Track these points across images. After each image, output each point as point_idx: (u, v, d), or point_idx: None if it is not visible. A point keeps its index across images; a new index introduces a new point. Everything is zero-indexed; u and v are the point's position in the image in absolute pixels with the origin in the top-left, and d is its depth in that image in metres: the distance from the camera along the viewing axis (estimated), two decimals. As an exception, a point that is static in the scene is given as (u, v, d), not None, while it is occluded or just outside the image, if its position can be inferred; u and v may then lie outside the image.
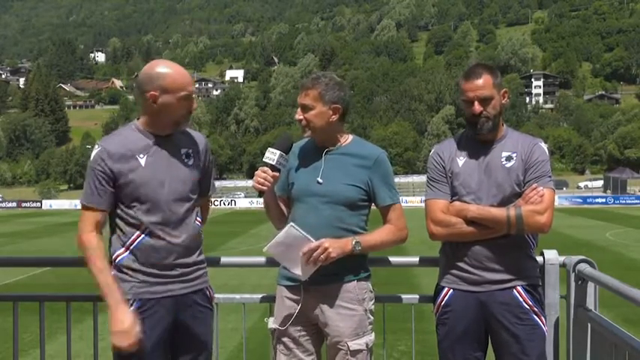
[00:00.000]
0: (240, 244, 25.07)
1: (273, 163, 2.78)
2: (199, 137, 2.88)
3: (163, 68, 2.65)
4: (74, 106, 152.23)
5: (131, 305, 2.65)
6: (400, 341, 9.72)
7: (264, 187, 2.79)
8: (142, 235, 2.66)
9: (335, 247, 2.71)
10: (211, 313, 2.86)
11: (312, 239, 2.72)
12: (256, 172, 2.81)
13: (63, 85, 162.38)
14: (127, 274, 2.67)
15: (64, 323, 3.21)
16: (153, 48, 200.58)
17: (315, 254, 2.69)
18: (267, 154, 2.80)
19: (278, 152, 2.79)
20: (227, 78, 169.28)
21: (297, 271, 2.75)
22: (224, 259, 3.26)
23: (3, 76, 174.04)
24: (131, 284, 2.66)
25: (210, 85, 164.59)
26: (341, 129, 2.90)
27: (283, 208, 3.00)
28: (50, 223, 42.64)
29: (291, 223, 2.77)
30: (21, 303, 3.28)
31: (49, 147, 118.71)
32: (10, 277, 17.18)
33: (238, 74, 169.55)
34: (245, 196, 68.66)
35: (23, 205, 69.81)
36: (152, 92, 2.62)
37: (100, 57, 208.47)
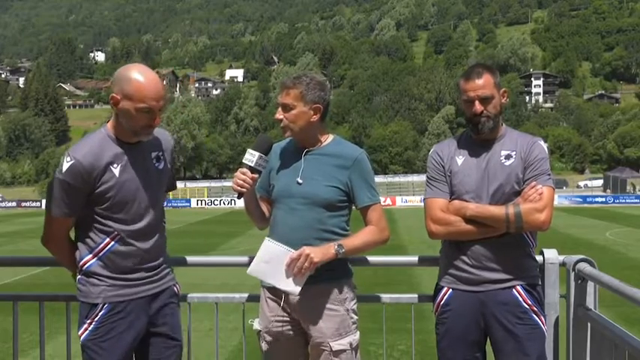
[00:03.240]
0: (239, 244, 25.03)
1: (252, 165, 2.78)
2: (165, 136, 2.85)
3: (135, 74, 2.56)
4: (74, 106, 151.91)
5: (101, 310, 2.63)
6: (400, 341, 9.72)
7: (244, 190, 2.79)
8: (112, 243, 2.64)
9: (317, 252, 2.69)
10: (179, 308, 2.88)
11: (291, 250, 2.70)
12: (235, 174, 2.80)
13: (63, 85, 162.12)
14: (96, 278, 2.65)
15: (63, 323, 3.21)
16: (152, 48, 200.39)
17: (298, 264, 2.68)
18: (246, 155, 2.79)
19: (257, 154, 2.78)
20: (227, 77, 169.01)
21: (286, 287, 2.72)
22: (225, 259, 3.26)
23: (3, 76, 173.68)
24: (101, 288, 2.64)
25: (209, 84, 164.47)
26: (321, 129, 2.88)
27: (264, 208, 2.99)
28: (50, 222, 42.55)
29: (267, 238, 2.77)
30: (21, 303, 3.28)
31: (49, 146, 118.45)
32: (10, 276, 17.17)
33: (238, 74, 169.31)
34: (245, 196, 68.48)
35: (23, 204, 69.75)
36: (115, 94, 2.58)
37: (100, 56, 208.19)
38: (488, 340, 2.90)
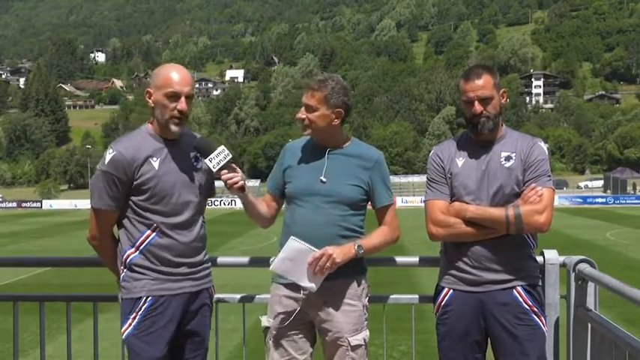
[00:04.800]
0: (240, 244, 25.04)
1: (225, 163, 2.74)
2: None
3: (163, 68, 2.77)
4: (74, 106, 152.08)
5: (144, 303, 2.70)
6: (400, 341, 9.72)
7: (240, 183, 2.76)
8: (153, 235, 2.72)
9: (338, 252, 2.75)
10: (211, 311, 2.94)
11: (314, 249, 2.75)
12: (222, 180, 2.76)
13: (63, 85, 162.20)
14: (139, 272, 2.72)
15: (64, 323, 3.22)
16: (153, 48, 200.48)
17: (320, 263, 2.73)
18: (211, 164, 2.72)
19: (213, 154, 2.74)
20: (227, 78, 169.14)
21: (306, 283, 2.78)
22: (225, 259, 3.27)
23: (3, 76, 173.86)
24: (144, 282, 2.71)
25: (210, 85, 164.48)
26: (340, 131, 2.94)
27: (263, 207, 2.98)
28: (50, 223, 42.62)
29: (292, 237, 2.79)
30: (21, 303, 3.29)
31: (49, 147, 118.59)
32: (10, 277, 17.18)
33: (238, 74, 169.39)
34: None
35: (23, 205, 69.76)
36: (149, 89, 2.74)
37: (100, 57, 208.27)
38: (488, 340, 2.90)
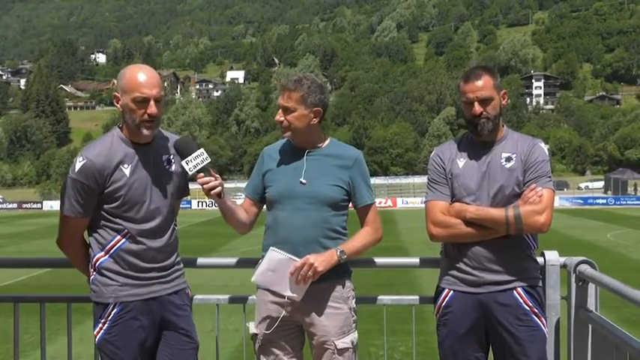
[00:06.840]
0: (240, 245, 25.01)
1: (202, 166, 2.68)
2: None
3: (128, 70, 2.68)
4: (75, 107, 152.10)
5: (113, 309, 2.67)
6: (401, 342, 9.71)
7: (218, 189, 2.70)
8: (123, 240, 2.68)
9: (320, 260, 2.72)
10: (191, 310, 2.89)
11: (295, 259, 2.72)
12: (199, 183, 2.68)
13: (64, 86, 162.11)
14: (108, 277, 2.69)
15: (64, 324, 3.22)
16: (153, 49, 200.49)
17: (302, 272, 2.71)
18: (188, 167, 2.67)
19: (193, 156, 2.68)
20: (228, 79, 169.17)
21: (290, 293, 2.76)
22: (226, 260, 3.27)
23: (4, 77, 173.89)
24: (112, 288, 2.68)
25: (210, 86, 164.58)
26: (319, 131, 2.91)
27: (242, 214, 2.93)
28: (51, 224, 42.58)
29: (272, 247, 2.78)
30: (22, 304, 3.29)
31: (50, 148, 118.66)
32: (10, 278, 17.16)
33: (239, 75, 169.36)
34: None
35: (24, 206, 69.70)
36: (116, 93, 2.67)
37: (101, 58, 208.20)
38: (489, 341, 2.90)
